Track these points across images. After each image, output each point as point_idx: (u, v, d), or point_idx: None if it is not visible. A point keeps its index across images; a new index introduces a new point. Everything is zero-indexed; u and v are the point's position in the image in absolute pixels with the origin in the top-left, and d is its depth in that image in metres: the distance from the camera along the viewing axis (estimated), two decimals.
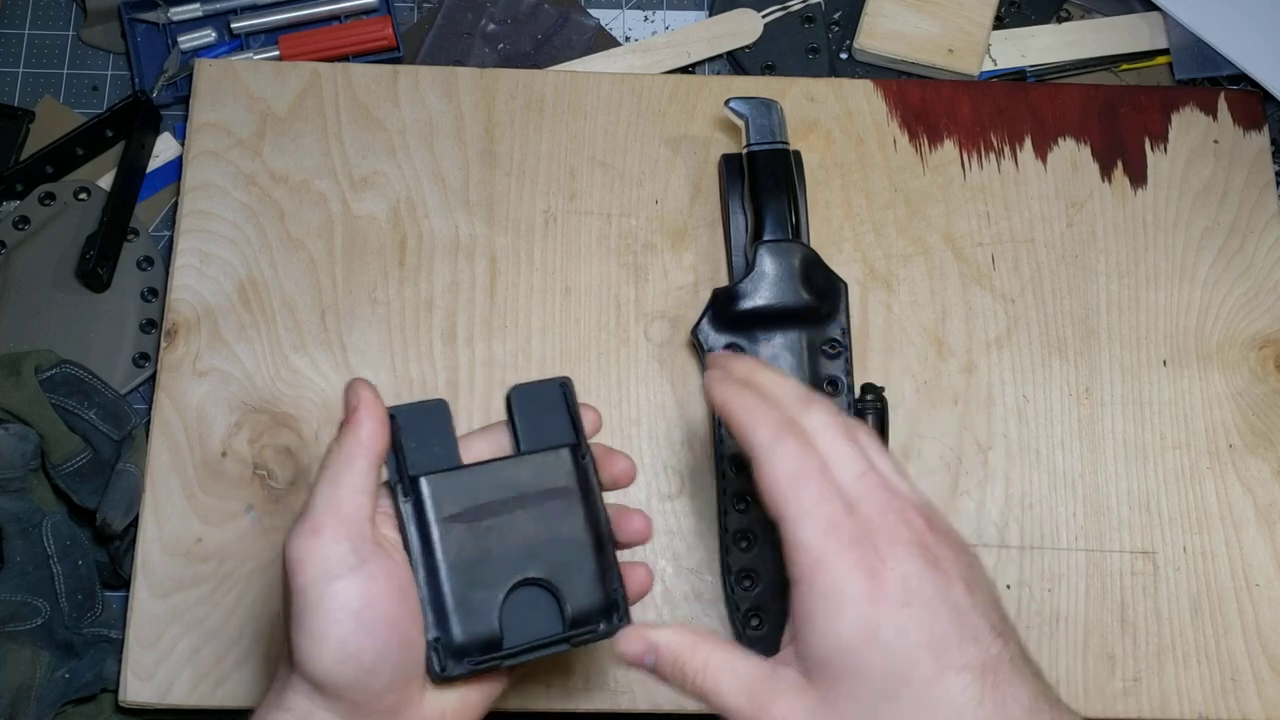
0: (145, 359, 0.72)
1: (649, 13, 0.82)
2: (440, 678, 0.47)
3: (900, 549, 0.44)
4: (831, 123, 0.76)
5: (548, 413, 0.52)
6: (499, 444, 0.53)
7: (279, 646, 0.65)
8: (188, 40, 0.78)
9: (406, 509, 0.49)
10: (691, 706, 0.64)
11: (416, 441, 0.50)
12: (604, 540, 0.51)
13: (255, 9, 0.79)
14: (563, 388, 0.53)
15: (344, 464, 0.48)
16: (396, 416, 0.50)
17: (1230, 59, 0.79)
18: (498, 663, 0.48)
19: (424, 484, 0.49)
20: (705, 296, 0.69)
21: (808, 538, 0.44)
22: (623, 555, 0.52)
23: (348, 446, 0.48)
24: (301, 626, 0.45)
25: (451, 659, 0.47)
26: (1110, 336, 0.72)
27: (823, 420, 0.47)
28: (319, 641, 0.45)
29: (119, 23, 0.79)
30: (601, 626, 0.50)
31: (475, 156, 0.74)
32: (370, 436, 0.48)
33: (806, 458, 0.46)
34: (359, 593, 0.45)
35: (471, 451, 0.52)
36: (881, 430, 0.67)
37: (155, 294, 0.73)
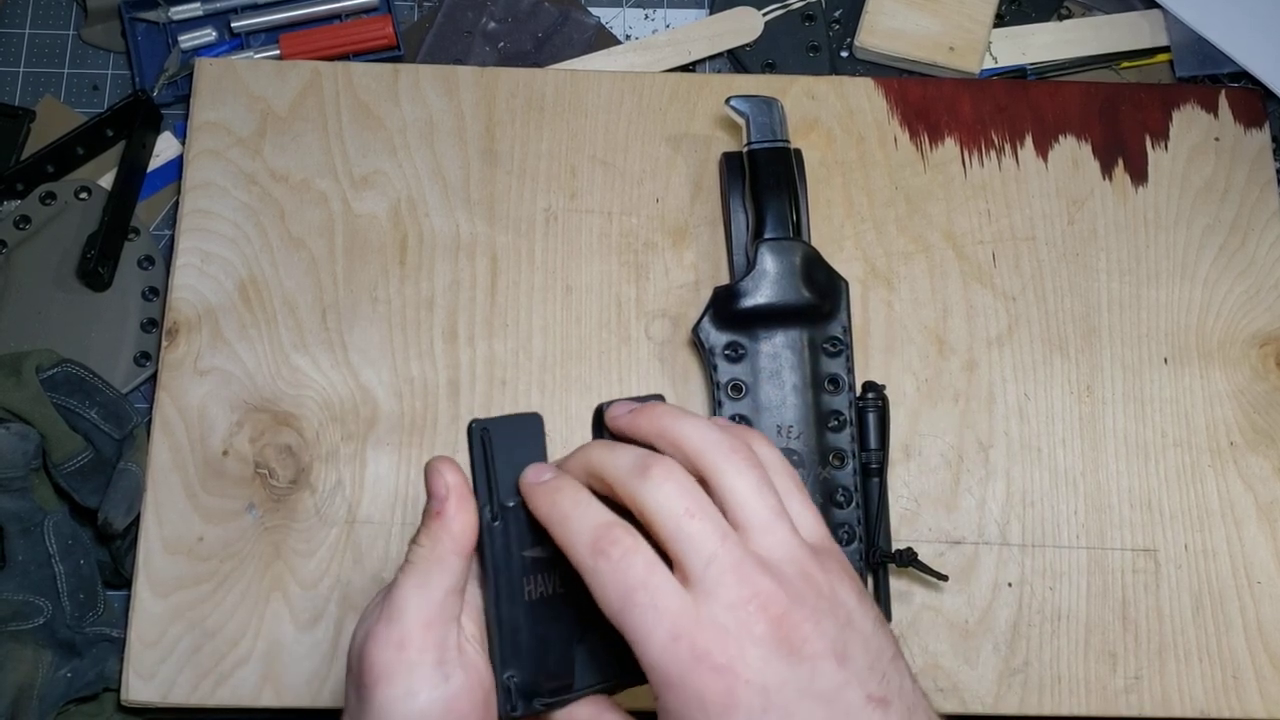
0: (146, 358, 0.72)
1: (649, 11, 0.82)
2: (509, 716, 0.45)
3: (752, 651, 0.39)
4: (832, 121, 0.76)
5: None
6: None
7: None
8: (188, 39, 0.78)
9: (491, 535, 0.45)
10: None
11: (507, 459, 0.46)
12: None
13: (255, 8, 0.79)
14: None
15: (435, 563, 0.44)
16: (490, 430, 0.46)
17: (1231, 56, 0.79)
18: (568, 703, 0.45)
19: (512, 509, 0.45)
20: (706, 295, 0.69)
21: (650, 658, 0.39)
22: None
23: (441, 544, 0.44)
24: None
25: (523, 699, 0.45)
26: (1111, 334, 0.72)
27: (662, 493, 0.41)
28: None
29: (119, 22, 0.79)
30: None
31: (476, 155, 0.74)
32: (463, 533, 0.44)
33: (629, 568, 0.40)
34: (442, 713, 0.42)
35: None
36: (882, 428, 0.67)
37: (156, 293, 0.73)
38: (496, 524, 0.45)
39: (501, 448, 0.46)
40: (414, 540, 0.45)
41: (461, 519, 0.44)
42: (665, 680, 0.39)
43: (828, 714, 0.39)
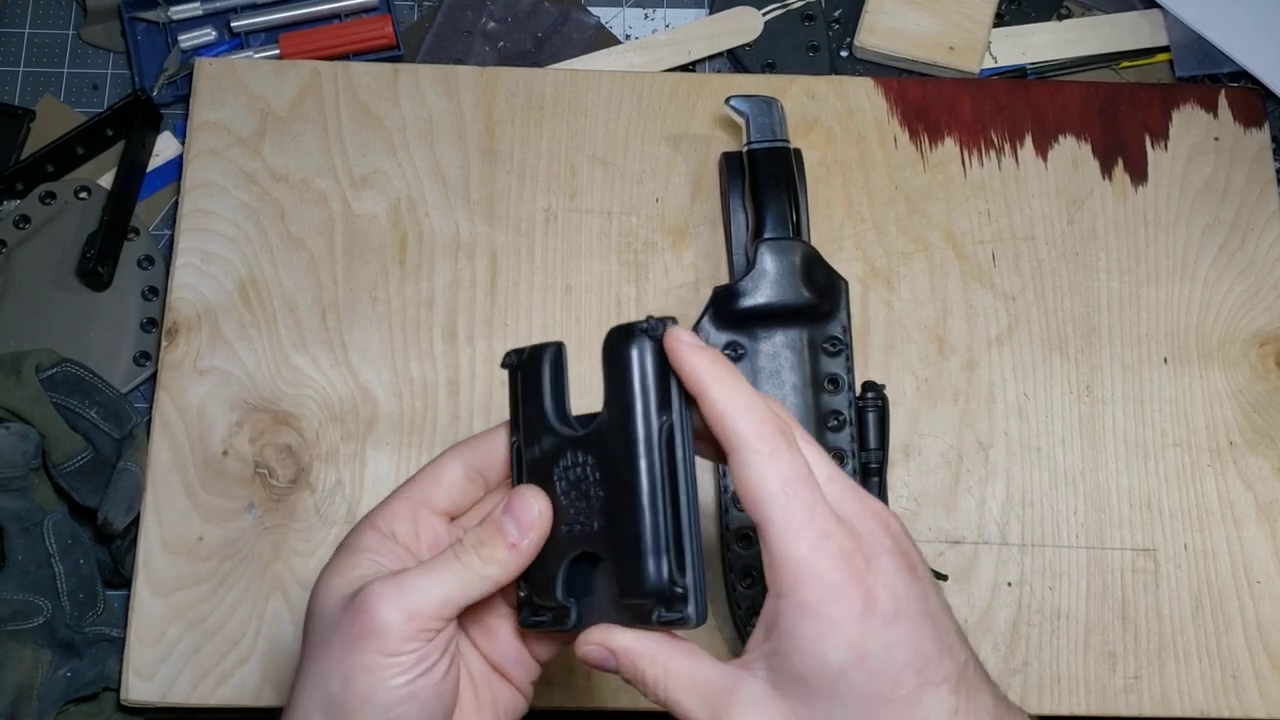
0: (146, 358, 0.72)
1: (649, 10, 0.82)
2: (527, 623, 0.47)
3: (885, 560, 0.42)
4: (832, 120, 0.76)
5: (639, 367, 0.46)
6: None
7: (285, 656, 0.65)
8: (188, 39, 0.78)
9: (516, 461, 0.48)
10: None
11: (532, 388, 0.47)
12: (681, 518, 0.45)
13: (255, 7, 0.79)
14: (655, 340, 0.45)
15: (479, 580, 0.44)
16: (519, 365, 0.48)
17: (1231, 56, 0.79)
18: (566, 627, 0.46)
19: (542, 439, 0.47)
20: (706, 295, 0.69)
21: (797, 552, 0.41)
22: None
23: (496, 569, 0.45)
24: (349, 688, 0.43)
25: (530, 611, 0.47)
26: (1111, 334, 0.72)
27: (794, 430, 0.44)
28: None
29: (119, 21, 0.79)
30: (658, 612, 0.44)
31: (476, 155, 0.74)
32: (519, 571, 0.45)
33: (795, 462, 0.42)
34: (408, 699, 0.43)
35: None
36: (882, 428, 0.67)
37: (156, 293, 0.73)
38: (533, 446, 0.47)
39: (528, 377, 0.48)
40: (478, 541, 0.45)
41: (530, 555, 0.45)
42: (807, 576, 0.41)
43: (937, 638, 0.42)
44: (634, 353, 0.44)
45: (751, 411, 0.42)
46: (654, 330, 0.44)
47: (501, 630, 0.48)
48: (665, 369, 0.44)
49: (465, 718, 0.47)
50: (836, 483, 0.43)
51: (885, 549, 0.42)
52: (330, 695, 0.43)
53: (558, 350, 0.48)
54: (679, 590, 0.43)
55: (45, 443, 0.65)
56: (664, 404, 0.44)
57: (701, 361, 0.43)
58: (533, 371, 0.48)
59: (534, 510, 0.45)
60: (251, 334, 0.70)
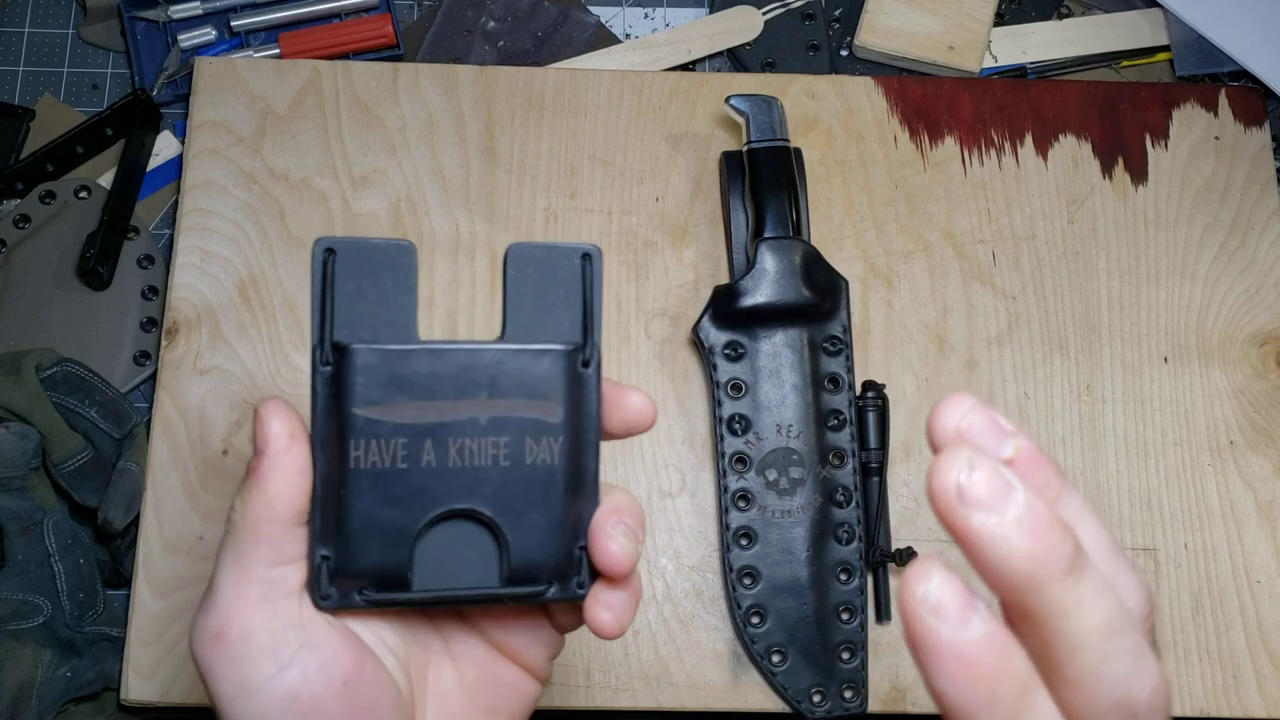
0: (146, 357, 0.72)
1: (649, 10, 0.82)
2: (320, 605, 0.37)
3: None
4: (832, 120, 0.76)
5: (553, 293, 0.39)
6: None
7: None
8: (187, 38, 0.78)
9: (320, 381, 0.37)
10: (691, 705, 0.64)
11: (356, 293, 0.37)
12: (585, 481, 0.39)
13: (255, 7, 0.79)
14: (584, 260, 0.39)
15: (248, 532, 0.37)
16: (335, 251, 0.37)
17: (1231, 55, 0.79)
18: (398, 604, 0.38)
19: (354, 354, 0.37)
20: (706, 294, 0.69)
21: None
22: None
23: (255, 509, 0.36)
24: None
25: (337, 586, 0.37)
26: (1111, 333, 0.72)
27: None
28: None
29: (119, 21, 0.79)
30: (552, 589, 0.39)
31: (475, 154, 0.74)
32: (281, 494, 0.36)
33: (1146, 672, 0.27)
34: (290, 707, 0.36)
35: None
36: (882, 427, 0.67)
37: (156, 292, 0.73)
38: (326, 369, 0.37)
39: (353, 276, 0.37)
40: (231, 505, 0.37)
41: (279, 479, 0.36)
42: None
43: None
44: (586, 278, 0.39)
45: (1104, 602, 0.27)
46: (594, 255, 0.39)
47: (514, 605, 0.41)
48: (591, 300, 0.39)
49: None
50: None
51: None
52: None
53: (413, 251, 0.38)
54: (580, 571, 0.39)
55: (45, 442, 0.65)
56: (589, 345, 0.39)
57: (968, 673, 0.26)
58: (374, 266, 0.38)
59: (267, 424, 0.36)
60: (251, 333, 0.70)
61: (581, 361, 0.39)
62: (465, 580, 0.38)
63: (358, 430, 0.37)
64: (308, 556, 0.37)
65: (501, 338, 0.39)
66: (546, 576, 0.39)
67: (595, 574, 0.39)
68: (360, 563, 0.37)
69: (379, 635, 0.39)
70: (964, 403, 0.28)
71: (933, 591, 0.26)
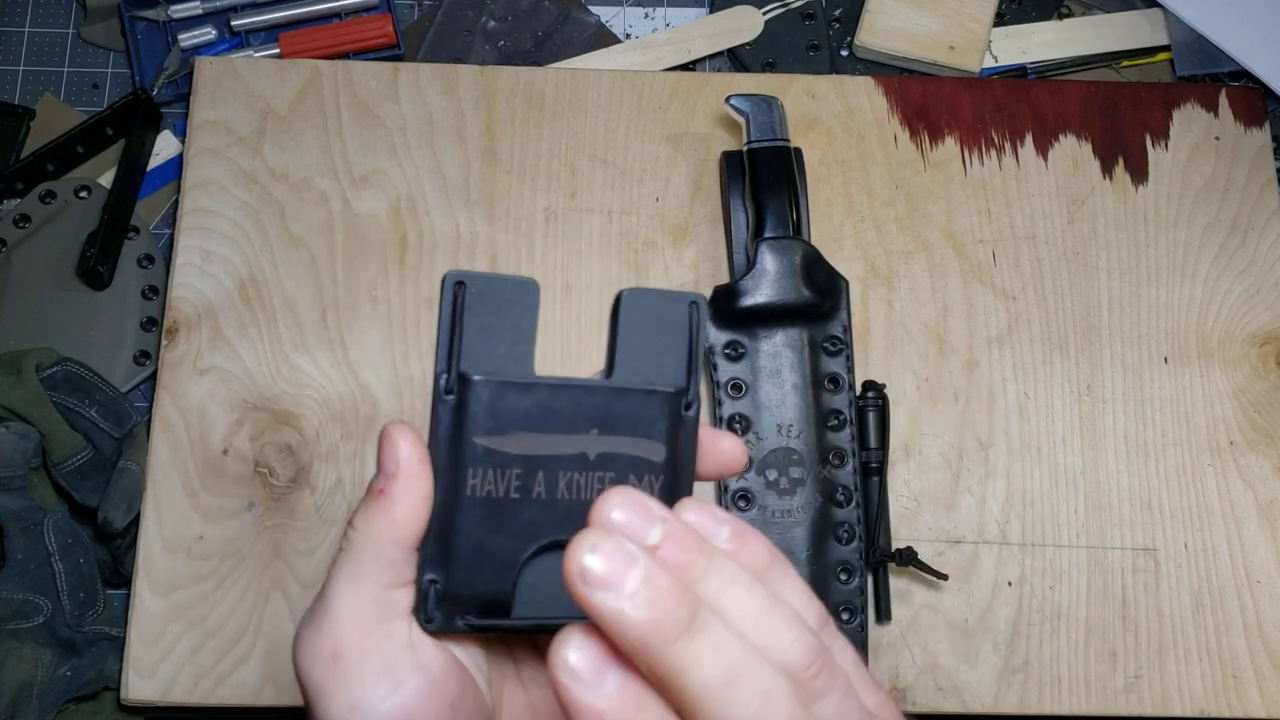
0: (146, 357, 0.72)
1: (649, 10, 0.82)
2: (426, 628, 0.38)
3: None
4: (832, 120, 0.76)
5: (661, 336, 0.40)
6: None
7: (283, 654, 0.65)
8: (188, 38, 0.78)
9: (443, 411, 0.38)
10: None
11: (482, 327, 0.39)
12: None
13: (255, 6, 0.79)
14: (692, 307, 0.41)
15: (370, 553, 0.37)
16: (466, 284, 0.39)
17: (1231, 55, 0.79)
18: (499, 631, 0.39)
19: (474, 385, 0.38)
20: (706, 294, 0.69)
21: None
22: None
23: (378, 528, 0.37)
24: None
25: (443, 610, 0.38)
26: (1111, 333, 0.72)
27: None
28: None
29: (119, 20, 0.79)
30: None
31: (476, 154, 0.74)
32: (407, 519, 0.37)
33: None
34: None
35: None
36: (882, 427, 0.67)
37: (156, 292, 0.73)
38: (450, 397, 0.38)
39: (478, 309, 0.39)
40: (350, 522, 0.38)
41: (407, 503, 0.37)
42: None
43: None
44: (692, 325, 0.40)
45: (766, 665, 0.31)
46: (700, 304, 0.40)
47: None
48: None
49: None
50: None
51: None
52: None
53: (536, 289, 0.40)
54: None
55: (45, 442, 0.65)
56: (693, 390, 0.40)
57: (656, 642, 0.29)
58: (498, 301, 0.39)
59: (397, 448, 0.37)
60: (251, 333, 0.70)
61: (684, 404, 0.40)
62: (560, 609, 0.38)
63: (477, 459, 0.38)
64: (416, 580, 0.38)
65: (609, 376, 0.40)
66: None
67: None
68: (467, 588, 0.38)
69: (472, 658, 0.40)
70: (618, 495, 0.31)
71: (570, 656, 0.30)
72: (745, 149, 0.70)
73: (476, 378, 0.38)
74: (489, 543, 0.38)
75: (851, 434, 0.66)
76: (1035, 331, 0.72)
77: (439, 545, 0.38)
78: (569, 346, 0.70)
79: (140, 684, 0.64)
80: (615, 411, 0.39)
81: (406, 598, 0.38)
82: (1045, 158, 0.76)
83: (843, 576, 0.65)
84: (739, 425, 0.66)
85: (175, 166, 0.76)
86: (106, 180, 0.75)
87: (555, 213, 0.73)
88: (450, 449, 0.38)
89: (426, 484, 0.38)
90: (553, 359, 0.70)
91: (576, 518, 0.38)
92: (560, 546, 0.38)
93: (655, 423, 0.39)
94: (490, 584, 0.38)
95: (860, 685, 0.34)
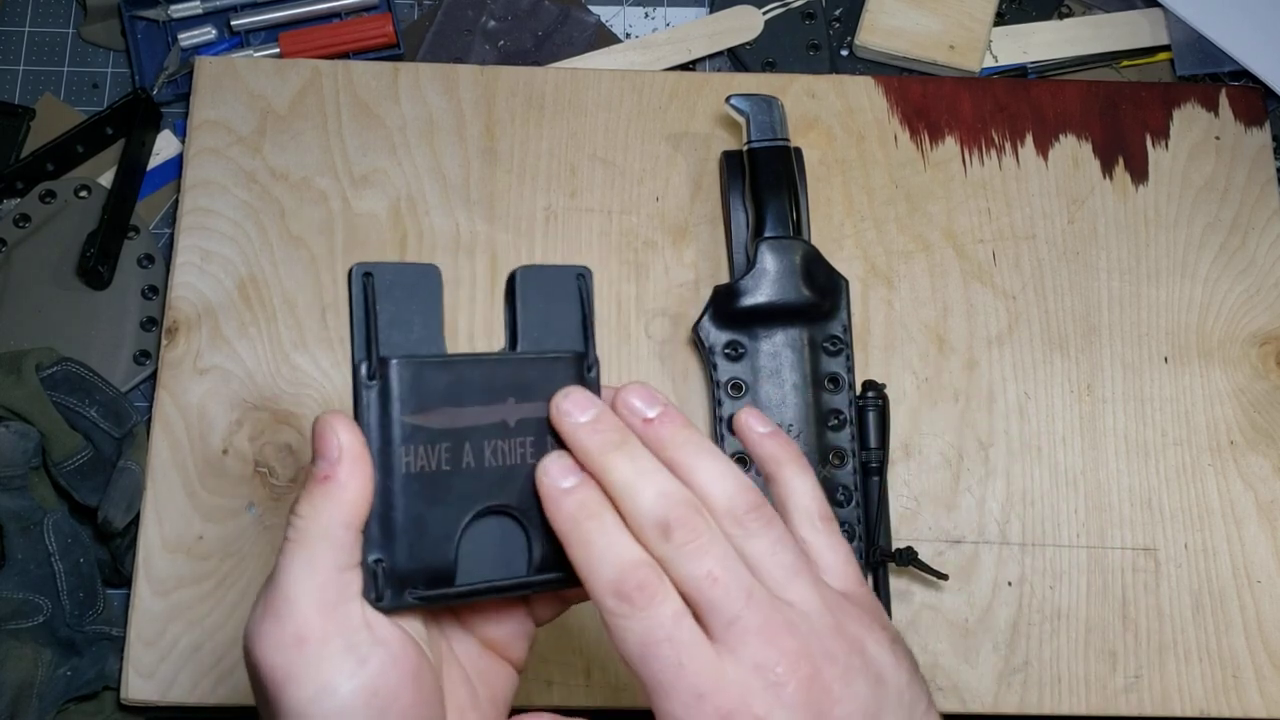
0: (146, 356, 0.72)
1: (649, 9, 0.82)
2: (378, 607, 0.40)
3: (780, 714, 0.37)
4: (832, 119, 0.76)
5: (556, 307, 0.44)
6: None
7: None
8: (188, 37, 0.78)
9: (369, 396, 0.40)
10: None
11: (394, 313, 0.41)
12: None
13: (255, 6, 0.79)
14: (580, 279, 0.44)
15: (321, 538, 0.38)
16: (374, 275, 0.41)
17: (1231, 55, 0.79)
18: (445, 600, 0.41)
19: (394, 368, 0.40)
20: (706, 293, 0.69)
21: (672, 713, 0.37)
22: None
23: (326, 512, 0.38)
24: None
25: (392, 587, 0.40)
26: (1111, 333, 0.72)
27: (684, 554, 0.38)
28: None
29: (119, 20, 0.79)
30: (570, 573, 0.42)
31: (476, 154, 0.74)
32: (354, 501, 0.39)
33: (654, 618, 0.38)
34: (369, 701, 0.38)
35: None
36: (882, 427, 0.67)
37: (156, 291, 0.73)
38: (373, 383, 0.40)
39: (388, 297, 0.41)
40: (293, 510, 0.39)
41: (354, 486, 0.39)
42: None
43: None
44: (581, 297, 0.44)
45: (601, 552, 0.39)
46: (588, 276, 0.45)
47: (503, 604, 0.45)
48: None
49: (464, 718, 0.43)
50: (755, 599, 0.38)
51: (782, 701, 0.37)
52: None
53: (439, 274, 0.43)
54: None
55: (45, 441, 0.65)
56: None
57: (564, 523, 0.40)
58: (404, 288, 0.42)
59: (336, 434, 0.39)
60: (251, 333, 0.70)
61: (586, 367, 0.43)
62: (500, 571, 0.42)
63: (406, 437, 0.40)
64: (362, 562, 0.40)
65: (513, 349, 0.43)
66: (566, 562, 0.41)
67: None
68: (412, 562, 0.40)
69: (417, 633, 0.42)
70: (639, 385, 0.42)
71: (551, 465, 0.40)
72: (745, 149, 0.70)
73: (396, 360, 0.40)
74: (428, 516, 0.40)
75: (851, 434, 0.66)
76: (1035, 331, 0.72)
77: (381, 525, 0.40)
78: None
79: (140, 684, 0.64)
80: (527, 379, 0.42)
81: (357, 580, 0.39)
82: (1045, 157, 0.76)
83: None
84: None
85: (175, 166, 0.76)
86: (106, 180, 0.75)
87: (555, 212, 0.73)
88: (380, 431, 0.40)
89: (369, 466, 0.39)
90: None
91: (506, 482, 0.41)
92: (494, 512, 0.41)
93: (563, 385, 0.42)
94: (433, 556, 0.40)
95: (836, 567, 0.42)
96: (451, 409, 0.41)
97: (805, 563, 0.41)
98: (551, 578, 0.42)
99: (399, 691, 0.38)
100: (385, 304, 0.41)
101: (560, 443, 0.42)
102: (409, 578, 0.40)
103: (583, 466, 0.41)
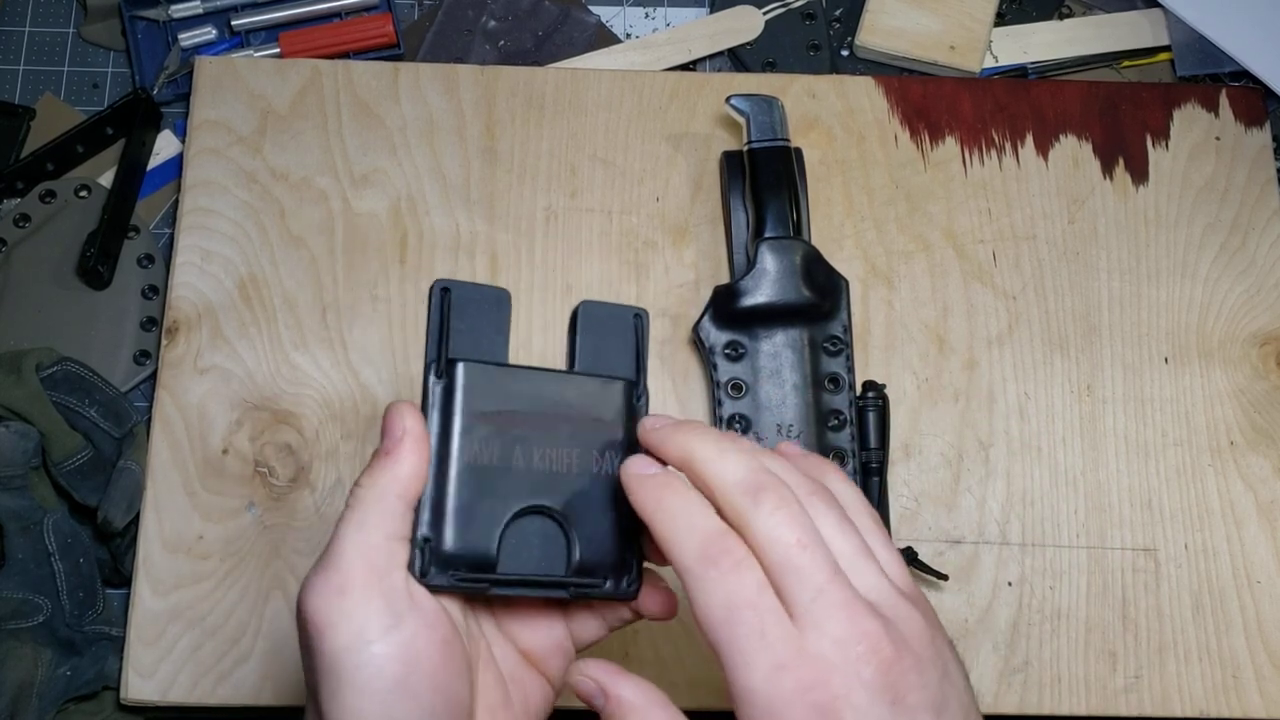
0: (146, 356, 0.72)
1: (650, 9, 0.82)
2: (421, 581, 0.43)
3: (859, 693, 0.37)
4: (832, 120, 0.76)
5: (612, 340, 0.49)
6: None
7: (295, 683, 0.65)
8: (188, 37, 0.78)
9: (435, 391, 0.45)
10: (691, 704, 0.64)
11: (466, 324, 0.46)
12: None
13: (255, 6, 0.79)
14: (636, 319, 0.50)
15: (375, 504, 0.42)
16: (451, 290, 0.46)
17: (1232, 55, 0.79)
18: (485, 586, 0.44)
19: (460, 369, 0.45)
20: (706, 294, 0.69)
21: (749, 683, 0.38)
22: None
23: (383, 483, 0.42)
24: (336, 700, 0.40)
25: (436, 565, 0.43)
26: (1112, 333, 0.72)
27: (774, 520, 0.39)
28: (358, 719, 0.39)
29: (119, 20, 0.79)
30: (608, 584, 0.46)
31: (476, 154, 0.74)
32: (411, 476, 0.42)
33: (739, 584, 0.39)
34: (399, 657, 0.40)
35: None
36: (882, 427, 0.67)
37: (156, 291, 0.73)
38: (441, 380, 0.45)
39: (461, 311, 0.46)
40: (356, 482, 0.43)
41: (411, 461, 0.42)
42: (765, 709, 0.38)
43: None
44: (636, 333, 0.49)
45: (685, 522, 0.40)
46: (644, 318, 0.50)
47: (542, 614, 0.47)
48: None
49: (495, 717, 0.45)
50: (825, 595, 0.39)
51: (861, 681, 0.37)
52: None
53: (509, 298, 0.48)
54: (631, 571, 0.47)
55: (45, 441, 0.65)
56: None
57: (646, 500, 0.42)
58: (477, 304, 0.47)
59: (403, 419, 0.43)
60: (251, 332, 0.70)
61: (635, 395, 0.48)
62: (540, 568, 0.45)
63: (464, 430, 0.44)
64: (411, 538, 0.43)
65: (572, 369, 0.48)
66: (603, 572, 0.46)
67: (641, 577, 0.47)
68: (457, 545, 0.43)
69: (455, 618, 0.44)
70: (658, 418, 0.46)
71: (634, 461, 0.43)
72: (745, 149, 0.70)
73: (463, 363, 0.45)
74: (476, 505, 0.44)
75: (852, 434, 0.66)
76: (1035, 331, 0.72)
77: (433, 508, 0.43)
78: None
79: (140, 684, 0.64)
80: (580, 394, 0.46)
81: (404, 552, 0.42)
82: (1045, 158, 0.76)
83: None
84: (739, 425, 0.66)
85: (175, 166, 0.76)
86: (106, 180, 0.75)
87: (555, 212, 0.73)
88: (441, 422, 0.44)
89: (427, 447, 0.43)
90: (554, 358, 0.70)
91: (552, 485, 0.45)
92: (537, 511, 0.45)
93: (614, 406, 0.47)
94: (477, 543, 0.44)
95: (893, 566, 0.42)
96: (508, 411, 0.45)
97: (869, 550, 0.41)
98: (587, 582, 0.45)
99: (429, 656, 0.40)
100: (458, 316, 0.46)
101: (611, 458, 0.46)
102: (453, 560, 0.43)
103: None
